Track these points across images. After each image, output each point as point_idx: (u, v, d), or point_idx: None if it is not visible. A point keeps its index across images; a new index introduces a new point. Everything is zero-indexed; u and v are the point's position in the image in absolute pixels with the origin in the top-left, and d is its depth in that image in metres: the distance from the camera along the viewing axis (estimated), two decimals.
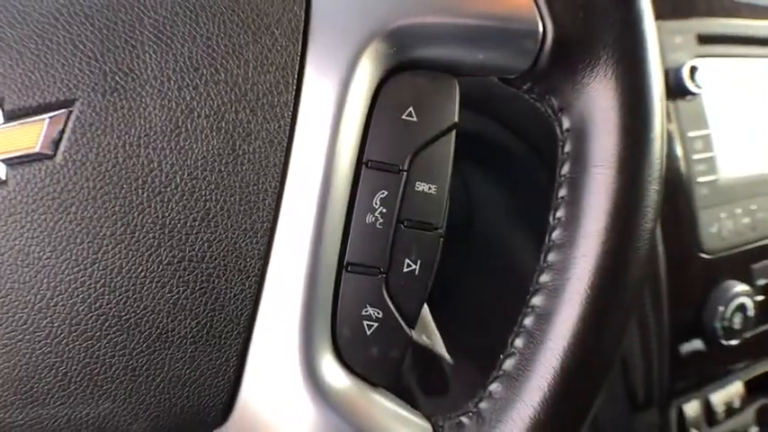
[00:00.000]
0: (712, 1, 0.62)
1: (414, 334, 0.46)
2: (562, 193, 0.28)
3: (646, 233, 0.28)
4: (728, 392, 0.65)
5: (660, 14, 0.60)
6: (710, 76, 0.59)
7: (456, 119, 0.28)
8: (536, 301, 0.27)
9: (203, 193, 0.25)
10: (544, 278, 0.27)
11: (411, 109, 0.27)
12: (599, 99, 0.27)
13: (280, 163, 0.25)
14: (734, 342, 0.58)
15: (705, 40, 0.59)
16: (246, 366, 0.25)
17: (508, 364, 0.27)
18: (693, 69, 0.56)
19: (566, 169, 0.28)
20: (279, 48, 0.25)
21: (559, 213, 0.28)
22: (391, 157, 0.27)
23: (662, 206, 0.55)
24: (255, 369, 0.25)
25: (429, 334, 0.45)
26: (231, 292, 0.25)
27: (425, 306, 0.46)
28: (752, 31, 0.63)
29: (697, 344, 0.60)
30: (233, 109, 0.25)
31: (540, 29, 0.27)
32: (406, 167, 0.27)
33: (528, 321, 0.27)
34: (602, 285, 0.27)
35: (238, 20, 0.25)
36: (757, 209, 0.61)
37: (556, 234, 0.28)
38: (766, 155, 0.63)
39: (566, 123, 0.28)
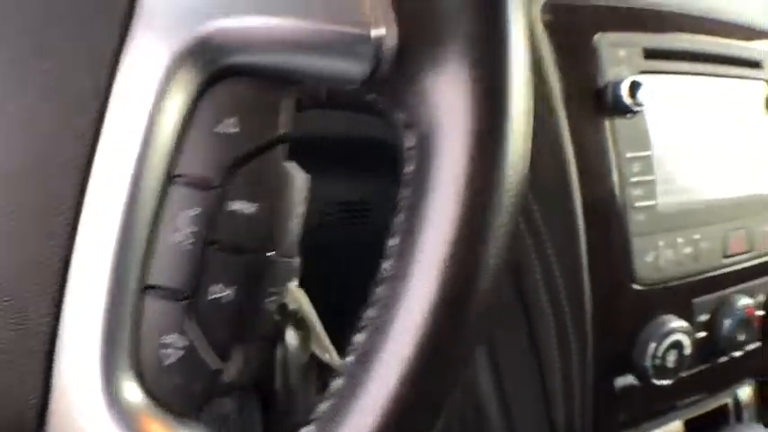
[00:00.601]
0: (662, 14, 0.58)
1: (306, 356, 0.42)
2: (399, 218, 0.24)
3: (490, 264, 0.24)
4: (667, 431, 0.61)
5: (604, 26, 0.56)
6: (656, 93, 0.55)
7: (284, 130, 0.25)
8: (359, 338, 0.24)
9: (2, 203, 0.23)
10: (370, 313, 0.24)
11: (232, 120, 0.24)
12: (445, 109, 0.24)
13: (81, 173, 0.23)
14: (666, 382, 0.54)
15: (652, 54, 0.56)
16: (53, 382, 0.24)
17: (323, 407, 0.24)
18: (635, 85, 0.52)
19: (405, 192, 0.24)
20: (94, 47, 0.24)
21: (392, 242, 0.24)
22: (204, 171, 0.24)
23: (591, 232, 0.52)
24: (62, 386, 0.24)
25: (324, 350, 0.42)
26: (32, 306, 0.24)
27: (318, 322, 0.43)
28: (703, 47, 0.59)
29: (630, 379, 0.56)
30: (41, 110, 0.24)
31: (379, 32, 0.24)
32: (219, 183, 0.24)
33: (350, 360, 0.24)
34: (435, 323, 0.23)
35: (62, 11, 0.24)
36: (701, 238, 0.57)
37: (387, 264, 0.24)
38: (713, 180, 0.60)
39: (410, 140, 0.25)
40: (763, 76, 0.67)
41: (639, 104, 0.53)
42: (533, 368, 0.54)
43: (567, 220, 0.52)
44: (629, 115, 0.54)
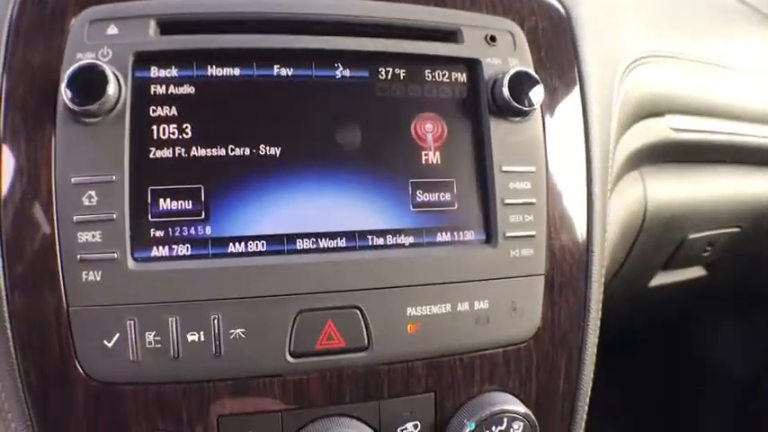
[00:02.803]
0: None
1: None
2: None
3: None
4: None
5: None
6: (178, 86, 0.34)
7: None
8: None
9: None
10: None
11: None
12: None
13: None
14: None
15: (172, 27, 0.36)
16: None
17: None
18: (75, 80, 0.32)
19: None
20: None
21: None
22: None
23: None
24: None
25: None
26: None
27: None
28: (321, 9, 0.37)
29: None
30: None
31: None
32: None
33: None
34: None
35: None
36: (233, 317, 0.33)
37: None
38: (291, 220, 0.36)
39: None
40: (462, 53, 0.41)
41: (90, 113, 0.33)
42: None
43: None
44: (92, 120, 0.34)
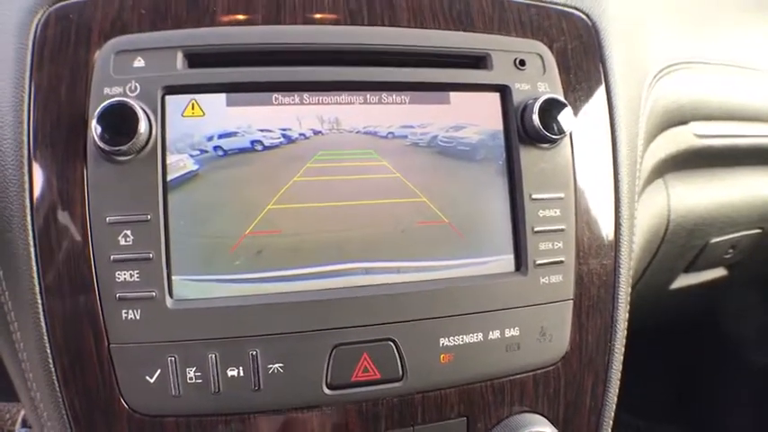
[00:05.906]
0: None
1: None
2: None
3: None
4: None
5: (116, 29, 0.37)
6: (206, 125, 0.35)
7: None
8: None
9: None
10: None
11: None
12: None
13: None
14: None
15: (201, 60, 0.35)
16: None
17: None
18: (101, 120, 0.33)
19: None
20: None
21: None
22: None
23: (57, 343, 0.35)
24: None
25: None
26: None
27: None
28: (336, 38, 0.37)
29: None
30: None
31: None
32: None
33: None
34: None
35: None
36: (276, 353, 0.34)
37: None
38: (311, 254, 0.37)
39: None
40: (491, 80, 0.40)
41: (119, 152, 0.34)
42: None
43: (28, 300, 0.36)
44: (123, 158, 0.34)
